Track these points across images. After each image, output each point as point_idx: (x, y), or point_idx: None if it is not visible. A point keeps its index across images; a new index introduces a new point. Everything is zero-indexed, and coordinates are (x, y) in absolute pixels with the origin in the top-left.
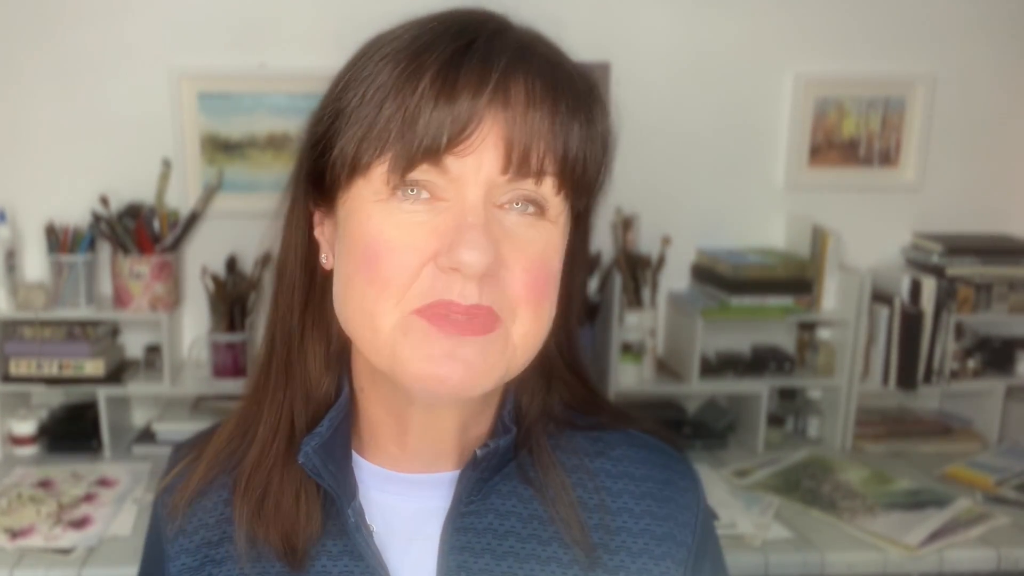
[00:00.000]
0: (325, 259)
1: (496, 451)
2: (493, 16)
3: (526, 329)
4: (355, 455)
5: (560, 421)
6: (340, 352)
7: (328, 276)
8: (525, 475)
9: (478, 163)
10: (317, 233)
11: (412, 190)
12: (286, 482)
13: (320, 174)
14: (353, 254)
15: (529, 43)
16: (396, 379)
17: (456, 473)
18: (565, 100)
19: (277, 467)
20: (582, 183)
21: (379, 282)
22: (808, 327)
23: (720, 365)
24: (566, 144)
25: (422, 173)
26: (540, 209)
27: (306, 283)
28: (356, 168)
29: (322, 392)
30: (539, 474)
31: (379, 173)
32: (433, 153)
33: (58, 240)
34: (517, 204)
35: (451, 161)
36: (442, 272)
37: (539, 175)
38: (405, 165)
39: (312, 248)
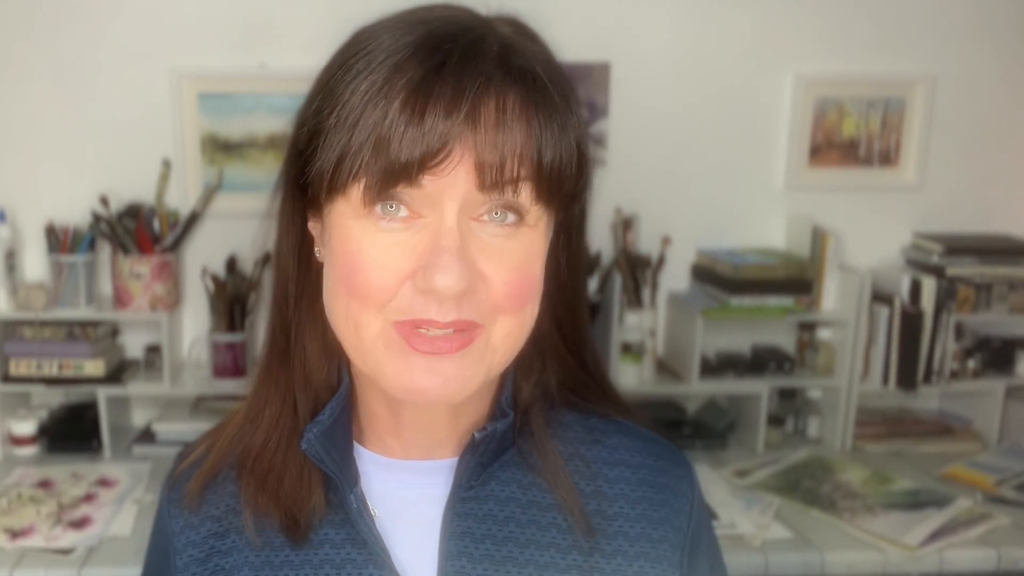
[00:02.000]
0: (319, 253)
1: (494, 435)
2: (472, 24)
3: (507, 331)
4: (355, 443)
5: (557, 406)
6: (337, 341)
7: (323, 268)
8: (524, 462)
9: (453, 181)
10: (310, 226)
11: (391, 206)
12: (290, 464)
13: (304, 185)
14: (335, 266)
15: (505, 53)
16: (379, 386)
17: (455, 459)
18: (538, 114)
19: (280, 450)
20: (559, 191)
21: (359, 296)
22: (808, 327)
23: (720, 365)
24: (540, 155)
25: (399, 192)
26: (519, 216)
27: (300, 274)
28: (334, 187)
29: (322, 378)
30: (538, 461)
31: (356, 193)
32: (407, 176)
33: (58, 240)
34: (496, 213)
35: (427, 180)
36: (419, 293)
37: (515, 184)
38: (379, 189)
39: (306, 240)
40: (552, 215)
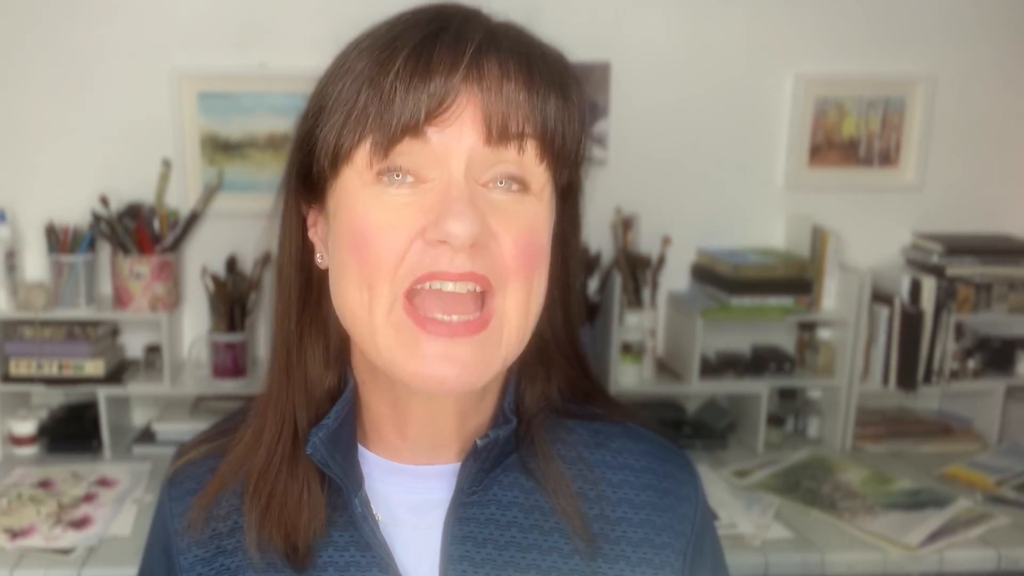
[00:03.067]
0: (320, 259)
1: (496, 441)
2: (466, 7)
3: (518, 303)
4: (359, 447)
5: (560, 411)
6: (340, 350)
7: (324, 276)
8: (526, 466)
9: (459, 134)
10: (311, 234)
11: (397, 175)
12: (291, 481)
13: (309, 170)
14: (344, 241)
15: (501, 27)
16: (393, 377)
17: (458, 465)
18: (539, 74)
19: (283, 467)
20: (563, 153)
21: (371, 263)
22: (808, 327)
23: (720, 365)
24: (544, 113)
25: (404, 152)
26: (523, 185)
27: (302, 285)
28: (339, 155)
29: (324, 390)
30: (540, 465)
31: (362, 156)
32: (413, 128)
33: (58, 240)
34: (500, 183)
35: (432, 133)
36: (430, 246)
37: (520, 140)
38: (387, 144)
39: (307, 250)
40: (553, 189)
